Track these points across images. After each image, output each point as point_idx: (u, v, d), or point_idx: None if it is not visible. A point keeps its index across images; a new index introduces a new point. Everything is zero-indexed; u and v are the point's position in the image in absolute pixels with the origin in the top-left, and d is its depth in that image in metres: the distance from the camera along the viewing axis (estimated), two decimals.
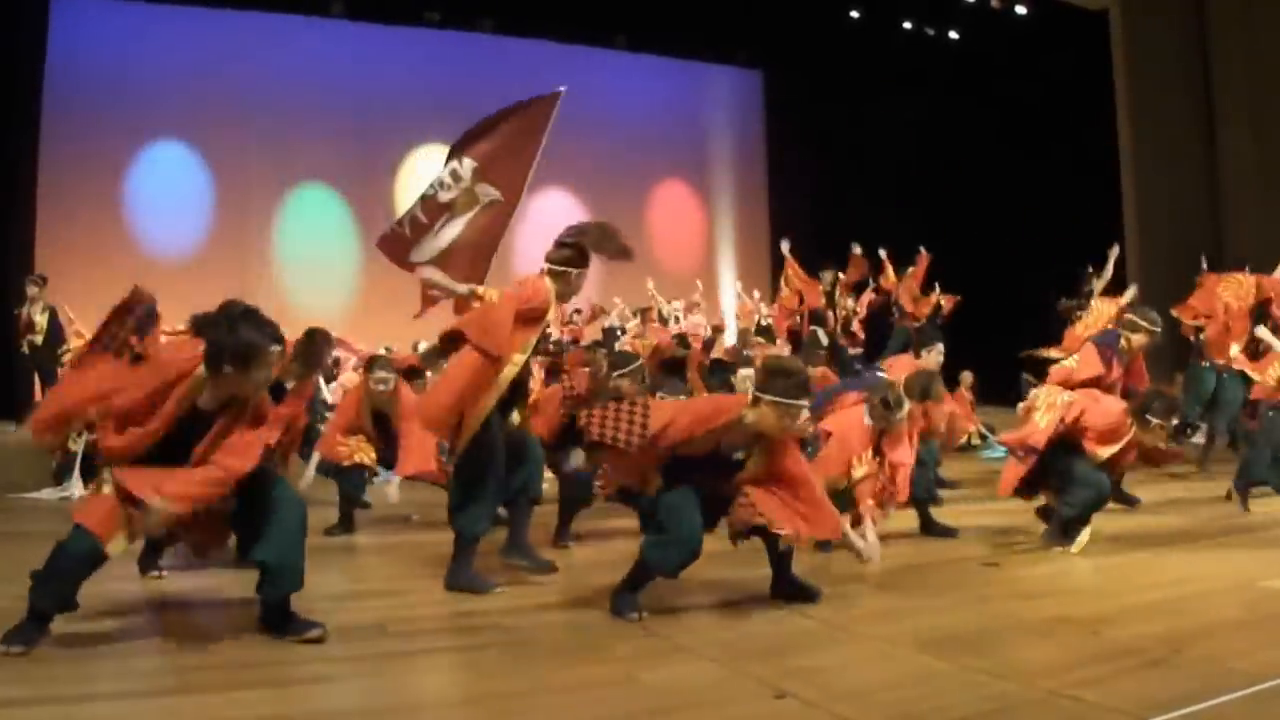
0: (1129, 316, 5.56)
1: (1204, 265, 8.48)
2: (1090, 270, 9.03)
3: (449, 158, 6.12)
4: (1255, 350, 7.10)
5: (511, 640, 3.28)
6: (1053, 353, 6.51)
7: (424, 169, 12.54)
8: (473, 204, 6.94)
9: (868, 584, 4.21)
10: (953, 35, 15.95)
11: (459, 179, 7.18)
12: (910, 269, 11.38)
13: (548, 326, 5.57)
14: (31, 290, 9.08)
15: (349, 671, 2.97)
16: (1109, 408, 4.87)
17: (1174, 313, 7.61)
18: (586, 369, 5.67)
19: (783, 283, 11.36)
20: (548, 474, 4.85)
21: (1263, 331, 7.02)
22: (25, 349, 9.04)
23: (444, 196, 6.56)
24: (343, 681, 2.89)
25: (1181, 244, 12.88)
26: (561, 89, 5.96)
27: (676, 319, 11.90)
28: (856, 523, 4.45)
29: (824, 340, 10.06)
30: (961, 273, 14.47)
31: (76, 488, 6.27)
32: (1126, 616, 3.61)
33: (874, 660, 3.14)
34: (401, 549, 5.08)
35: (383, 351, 10.09)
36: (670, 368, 7.90)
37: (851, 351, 10.63)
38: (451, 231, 7.31)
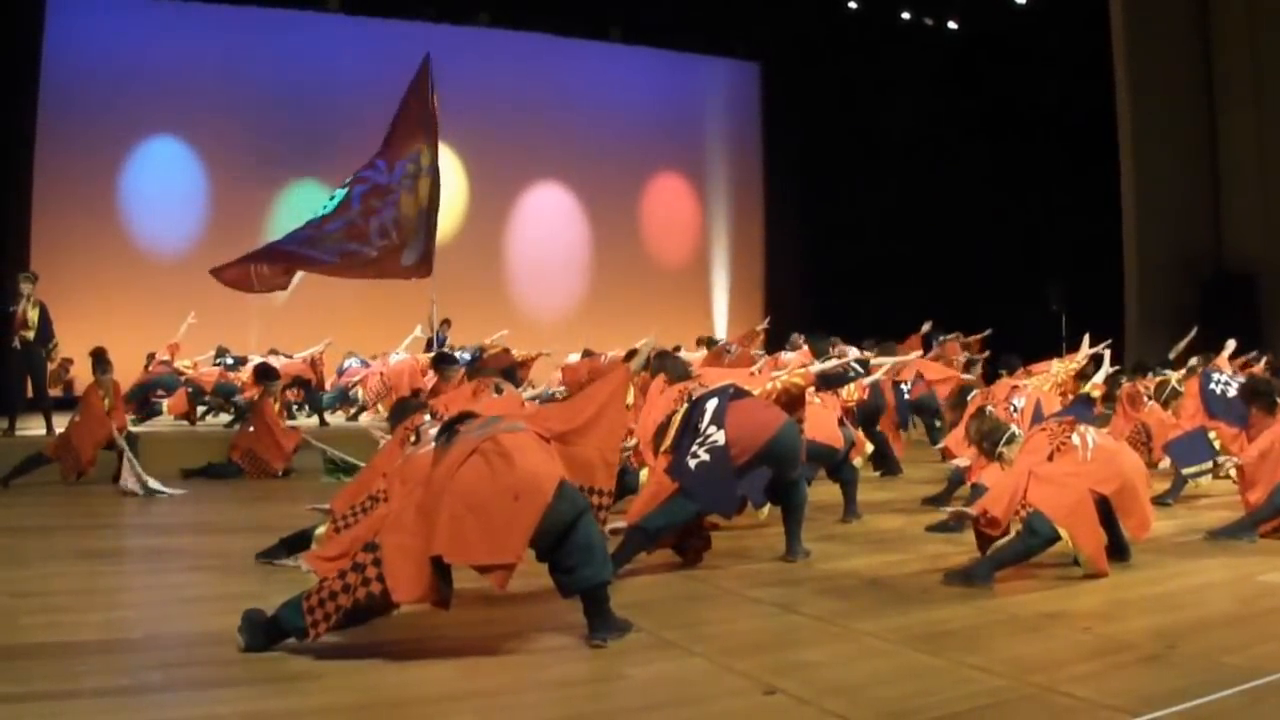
0: None
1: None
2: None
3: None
4: None
5: (498, 636, 3.26)
6: None
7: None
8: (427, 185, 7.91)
9: (858, 579, 4.18)
10: (952, 25, 15.90)
11: (416, 173, 8.22)
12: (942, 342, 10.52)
13: None
14: (25, 287, 9.05)
15: (334, 668, 2.95)
16: None
17: None
18: None
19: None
20: None
21: None
22: (18, 345, 9.01)
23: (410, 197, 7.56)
24: (328, 678, 2.87)
25: (1181, 229, 12.87)
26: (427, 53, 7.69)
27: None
28: None
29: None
30: (959, 263, 14.47)
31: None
32: (1120, 612, 3.60)
33: (865, 656, 3.12)
34: None
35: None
36: None
37: None
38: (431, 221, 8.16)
